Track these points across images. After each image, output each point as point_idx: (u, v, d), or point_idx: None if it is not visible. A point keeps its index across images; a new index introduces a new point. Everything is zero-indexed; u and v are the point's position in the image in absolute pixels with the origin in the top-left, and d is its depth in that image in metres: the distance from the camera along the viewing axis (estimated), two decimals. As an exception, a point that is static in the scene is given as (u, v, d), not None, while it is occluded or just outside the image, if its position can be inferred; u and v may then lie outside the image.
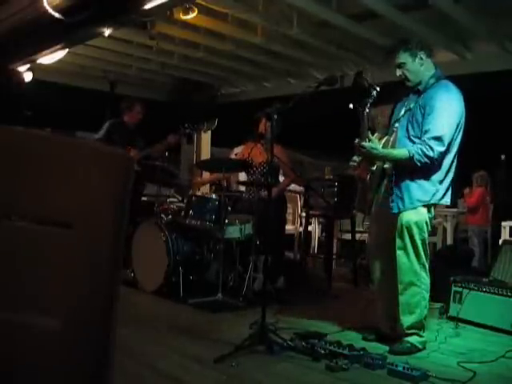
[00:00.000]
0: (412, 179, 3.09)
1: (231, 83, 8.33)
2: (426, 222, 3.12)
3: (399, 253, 3.12)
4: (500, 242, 5.23)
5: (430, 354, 3.11)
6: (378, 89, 3.12)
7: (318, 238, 6.95)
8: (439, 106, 3.00)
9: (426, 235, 3.14)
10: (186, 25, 5.62)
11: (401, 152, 3.05)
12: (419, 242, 3.09)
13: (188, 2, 4.81)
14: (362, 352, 2.92)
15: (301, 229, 6.33)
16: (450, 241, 6.55)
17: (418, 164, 2.99)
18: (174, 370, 2.72)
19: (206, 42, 6.23)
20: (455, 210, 7.19)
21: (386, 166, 3.20)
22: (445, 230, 6.66)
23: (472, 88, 5.96)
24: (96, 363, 0.90)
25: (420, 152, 2.96)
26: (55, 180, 0.88)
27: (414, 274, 3.11)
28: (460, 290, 3.91)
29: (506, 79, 5.57)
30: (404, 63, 3.12)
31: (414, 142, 3.07)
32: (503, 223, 5.99)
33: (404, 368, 2.66)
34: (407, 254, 3.10)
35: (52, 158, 0.89)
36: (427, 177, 3.08)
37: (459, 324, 3.75)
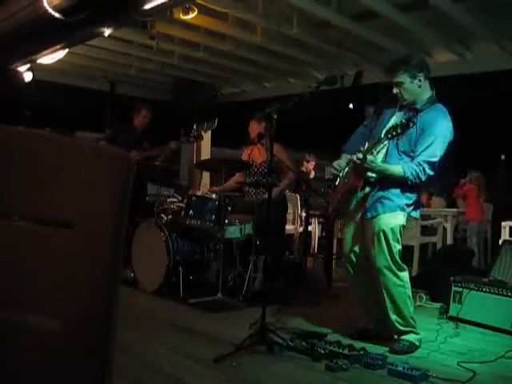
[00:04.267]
0: (394, 188, 3.13)
1: (231, 83, 8.34)
2: (400, 230, 3.16)
3: (378, 256, 3.13)
4: (500, 241, 5.22)
5: (430, 353, 3.11)
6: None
7: (318, 238, 6.95)
8: (438, 133, 3.04)
9: (399, 240, 3.15)
10: (186, 25, 5.63)
11: (396, 170, 3.08)
12: (392, 246, 3.12)
13: (188, 1, 4.82)
14: (362, 352, 2.92)
15: (301, 229, 6.32)
16: (450, 241, 6.55)
17: (408, 182, 3.06)
18: (174, 369, 2.72)
19: (206, 41, 6.24)
20: (455, 210, 7.20)
21: (369, 174, 3.19)
22: (445, 229, 6.66)
23: (472, 88, 5.98)
24: (96, 363, 0.90)
25: (414, 174, 3.03)
26: (55, 180, 0.88)
27: (395, 275, 3.14)
28: (460, 289, 3.91)
29: (506, 79, 5.56)
30: (402, 83, 3.13)
31: (401, 156, 3.11)
32: (503, 223, 5.98)
33: (404, 368, 2.66)
34: (385, 257, 3.12)
35: (52, 158, 0.89)
36: (408, 188, 3.14)
37: (459, 324, 3.75)
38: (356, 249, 3.33)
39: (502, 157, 8.78)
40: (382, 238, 3.11)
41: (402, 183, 3.10)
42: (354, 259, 3.35)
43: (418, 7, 4.83)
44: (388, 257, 3.11)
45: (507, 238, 5.65)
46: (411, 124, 2.88)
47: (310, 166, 7.49)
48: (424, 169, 3.02)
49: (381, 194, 3.15)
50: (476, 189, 7.15)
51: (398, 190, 3.13)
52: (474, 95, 6.25)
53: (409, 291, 3.20)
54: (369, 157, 3.07)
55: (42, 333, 0.87)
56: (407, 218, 3.20)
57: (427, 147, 3.03)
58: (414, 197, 3.18)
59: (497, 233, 6.40)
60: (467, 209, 7.07)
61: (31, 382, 0.88)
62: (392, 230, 3.12)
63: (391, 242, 3.11)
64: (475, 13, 4.83)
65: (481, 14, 4.86)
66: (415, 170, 3.02)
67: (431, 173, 3.05)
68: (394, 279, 3.14)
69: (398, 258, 3.15)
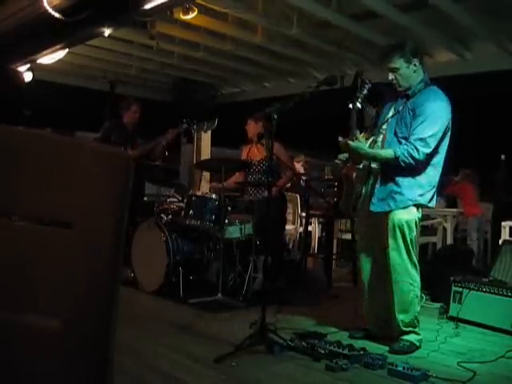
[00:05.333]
0: (403, 180, 3.12)
1: (231, 83, 8.34)
2: (416, 222, 3.17)
3: (392, 252, 3.14)
4: (500, 241, 5.23)
5: (430, 353, 3.11)
6: (370, 85, 3.17)
7: (318, 238, 6.95)
8: (429, 112, 3.04)
9: (415, 234, 3.18)
10: (186, 25, 5.63)
11: (387, 152, 3.08)
12: (409, 242, 3.13)
13: (188, 1, 4.82)
14: (361, 352, 2.92)
15: (301, 229, 6.32)
16: (450, 241, 6.54)
17: (403, 164, 3.03)
18: (174, 369, 2.72)
19: (206, 41, 6.24)
20: (455, 210, 7.20)
21: (373, 165, 3.21)
22: (445, 229, 6.65)
23: (472, 88, 5.98)
24: (96, 363, 0.90)
25: (406, 153, 3.00)
26: (55, 180, 0.88)
27: (407, 272, 3.15)
28: (460, 289, 3.91)
29: (506, 79, 5.56)
30: (398, 68, 3.13)
31: (401, 143, 3.11)
32: (503, 223, 5.98)
33: (404, 368, 2.66)
34: (400, 253, 3.13)
35: (52, 157, 0.89)
36: (417, 178, 3.12)
37: (459, 324, 3.75)
38: (370, 244, 3.34)
39: (502, 157, 8.76)
40: (399, 234, 3.11)
41: (410, 173, 3.08)
42: (368, 255, 3.35)
43: (417, 7, 4.83)
44: (404, 252, 3.11)
45: (507, 238, 5.65)
46: (366, 85, 3.02)
47: None
48: (416, 147, 2.99)
49: (391, 187, 3.13)
50: (471, 186, 7.18)
51: (408, 182, 3.10)
52: (474, 95, 6.25)
53: (418, 291, 3.21)
54: (351, 143, 3.08)
55: (42, 333, 0.87)
56: (422, 210, 3.20)
57: (417, 126, 3.03)
58: (427, 185, 3.14)
59: (497, 233, 6.40)
60: (465, 208, 7.08)
61: (31, 381, 0.88)
62: (407, 223, 3.11)
63: (407, 236, 3.11)
64: (475, 13, 4.83)
65: (481, 14, 4.86)
66: (406, 150, 2.99)
67: (426, 150, 3.02)
68: (406, 277, 3.14)
69: (414, 252, 3.15)
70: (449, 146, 3.19)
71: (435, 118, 3.04)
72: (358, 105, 3.19)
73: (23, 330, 0.87)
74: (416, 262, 3.19)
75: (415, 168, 3.08)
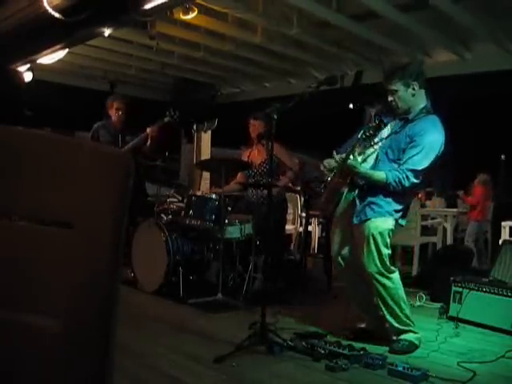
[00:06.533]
0: (383, 195, 3.15)
1: (231, 83, 8.34)
2: (389, 234, 3.17)
3: (367, 261, 3.14)
4: (500, 241, 5.23)
5: (430, 354, 3.11)
6: (381, 119, 3.22)
7: (318, 238, 6.95)
8: (426, 144, 3.06)
9: (389, 245, 3.18)
10: (186, 25, 5.63)
11: (379, 175, 3.11)
12: (382, 250, 3.13)
13: (188, 1, 4.82)
14: (362, 352, 2.92)
15: (301, 229, 6.33)
16: (450, 241, 6.55)
17: (391, 188, 3.09)
18: (174, 370, 2.72)
19: (206, 41, 6.24)
20: (455, 210, 7.20)
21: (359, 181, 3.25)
22: (445, 229, 6.66)
23: (472, 88, 5.98)
24: (96, 364, 0.90)
25: (397, 180, 3.06)
26: (55, 180, 0.88)
27: (385, 277, 3.15)
28: (460, 289, 3.91)
29: (506, 79, 5.56)
30: (396, 91, 3.16)
31: (391, 164, 3.14)
32: (503, 223, 5.99)
33: (404, 368, 2.66)
34: (374, 262, 3.13)
35: (52, 157, 0.89)
36: (396, 197, 3.16)
37: (459, 324, 3.75)
38: (344, 252, 3.35)
39: (502, 157, 8.77)
40: (372, 243, 3.13)
41: (391, 192, 3.12)
42: (342, 262, 3.37)
43: (417, 7, 4.83)
44: (378, 261, 3.13)
45: (507, 238, 5.66)
46: (382, 125, 2.98)
47: None
48: (407, 176, 3.05)
49: (370, 199, 3.17)
50: (486, 189, 7.07)
51: (387, 197, 3.15)
52: (474, 95, 6.25)
53: (401, 291, 3.21)
54: (349, 161, 3.10)
55: (42, 333, 0.87)
56: (395, 225, 3.21)
57: (413, 156, 3.07)
58: (403, 204, 3.21)
59: (497, 233, 6.40)
60: (476, 210, 6.96)
61: (31, 381, 0.88)
62: (381, 233, 3.13)
63: (380, 246, 3.13)
64: (475, 13, 4.82)
65: (481, 14, 4.85)
66: (398, 177, 3.05)
67: (415, 181, 3.08)
68: (386, 282, 3.15)
69: (387, 261, 3.16)
70: (450, 151, 3.21)
71: (430, 151, 3.08)
72: (366, 133, 3.21)
73: (23, 329, 0.87)
74: (389, 266, 3.17)
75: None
